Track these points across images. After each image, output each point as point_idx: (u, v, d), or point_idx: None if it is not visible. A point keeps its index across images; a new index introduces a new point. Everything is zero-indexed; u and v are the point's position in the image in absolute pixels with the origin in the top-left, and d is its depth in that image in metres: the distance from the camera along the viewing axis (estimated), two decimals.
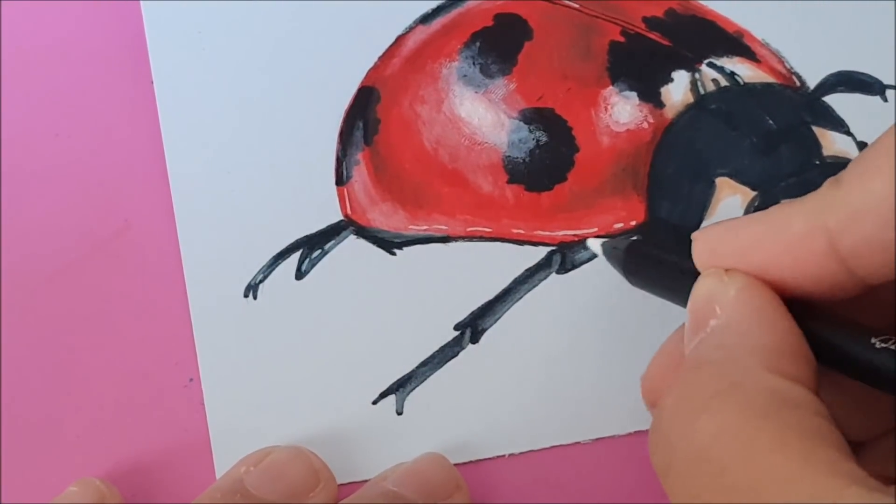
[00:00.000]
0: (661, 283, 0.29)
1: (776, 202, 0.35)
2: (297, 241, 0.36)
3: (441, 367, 0.35)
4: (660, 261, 0.29)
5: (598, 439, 0.34)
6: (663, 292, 0.29)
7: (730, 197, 0.36)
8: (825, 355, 0.24)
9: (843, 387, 0.25)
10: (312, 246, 0.36)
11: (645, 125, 0.36)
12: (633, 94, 0.37)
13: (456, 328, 0.35)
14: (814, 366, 0.24)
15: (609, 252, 0.31)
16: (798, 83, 0.37)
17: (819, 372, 0.24)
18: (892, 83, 0.37)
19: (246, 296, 0.35)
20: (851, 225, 0.23)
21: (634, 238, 0.31)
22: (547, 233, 0.36)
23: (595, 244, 0.32)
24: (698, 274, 0.26)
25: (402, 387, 0.34)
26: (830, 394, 0.24)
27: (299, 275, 0.35)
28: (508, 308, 0.35)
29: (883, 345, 0.23)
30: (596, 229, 0.36)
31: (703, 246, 0.26)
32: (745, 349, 0.24)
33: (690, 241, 0.27)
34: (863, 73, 0.37)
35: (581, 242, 0.36)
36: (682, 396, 0.23)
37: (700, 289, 0.26)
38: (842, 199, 0.23)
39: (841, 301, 0.25)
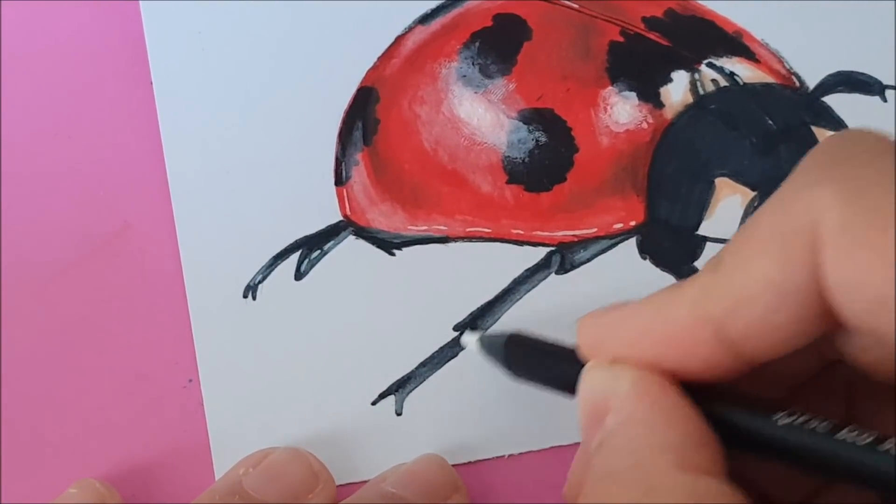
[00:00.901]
0: (546, 375, 0.28)
1: None
2: (296, 241, 0.36)
3: (440, 367, 0.35)
4: (542, 352, 0.28)
5: None
6: (548, 384, 0.28)
7: (729, 197, 0.36)
8: (729, 437, 0.23)
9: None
10: (311, 246, 0.36)
11: (644, 125, 0.36)
12: (633, 95, 0.37)
13: (455, 328, 0.35)
14: (722, 452, 0.23)
15: (487, 346, 0.30)
16: (797, 83, 0.37)
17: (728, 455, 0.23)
18: (892, 83, 0.37)
19: (245, 296, 0.35)
20: (737, 311, 0.23)
21: (512, 332, 0.30)
22: (546, 233, 0.36)
23: (471, 340, 0.31)
24: (583, 364, 0.25)
25: (401, 387, 0.34)
26: (753, 461, 0.24)
27: (298, 275, 0.35)
28: (508, 308, 0.35)
29: (787, 420, 0.23)
30: (595, 230, 0.36)
31: (589, 336, 0.26)
32: (652, 449, 0.23)
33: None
34: (862, 74, 0.37)
35: (581, 242, 0.36)
36: None
37: (590, 382, 0.25)
38: (724, 287, 0.23)
39: (734, 378, 0.24)
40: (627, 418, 0.24)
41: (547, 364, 0.28)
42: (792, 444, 0.23)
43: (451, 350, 0.35)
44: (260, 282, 0.35)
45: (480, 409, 0.34)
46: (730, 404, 0.24)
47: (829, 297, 0.22)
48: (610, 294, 0.35)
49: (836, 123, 0.36)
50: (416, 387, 0.34)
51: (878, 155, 0.22)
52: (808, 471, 0.23)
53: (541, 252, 0.36)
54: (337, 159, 0.36)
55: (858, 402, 0.26)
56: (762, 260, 0.22)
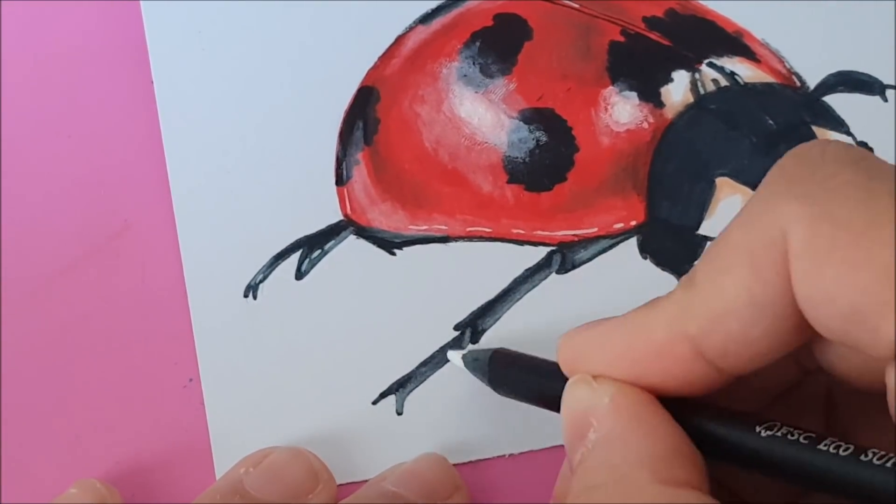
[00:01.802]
0: (530, 391, 0.29)
1: None
2: (296, 241, 0.36)
3: (441, 367, 0.35)
4: (526, 368, 0.29)
5: None
6: (532, 400, 0.28)
7: (730, 197, 0.36)
8: (711, 450, 0.24)
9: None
10: (312, 246, 0.36)
11: (645, 125, 0.36)
12: (633, 94, 0.37)
13: (456, 328, 0.35)
14: (702, 465, 0.23)
15: (471, 364, 0.31)
16: (798, 83, 0.37)
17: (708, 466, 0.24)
18: (892, 83, 0.37)
19: (246, 296, 0.35)
20: (713, 329, 0.23)
21: (496, 348, 0.31)
22: (547, 233, 0.36)
23: (455, 357, 0.32)
24: (566, 380, 0.26)
25: (401, 387, 0.34)
26: (733, 471, 0.24)
27: (299, 275, 0.35)
28: (508, 308, 0.35)
29: (768, 432, 0.23)
30: (596, 230, 0.36)
31: (569, 353, 0.26)
32: (631, 463, 0.23)
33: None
34: (863, 73, 0.37)
35: (581, 242, 0.36)
36: None
37: (571, 398, 0.25)
38: (699, 304, 0.23)
39: (713, 392, 0.24)
40: (607, 433, 0.24)
41: (531, 380, 0.29)
42: (773, 456, 0.23)
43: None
44: (260, 281, 0.35)
45: (481, 409, 0.34)
46: (710, 417, 0.24)
47: (803, 310, 0.22)
48: (610, 294, 0.35)
49: (836, 123, 0.36)
50: (416, 386, 0.34)
51: (843, 166, 0.22)
52: (789, 482, 0.23)
53: (541, 252, 0.36)
54: (337, 159, 0.36)
55: (839, 409, 0.26)
56: (734, 276, 0.22)
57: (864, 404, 0.25)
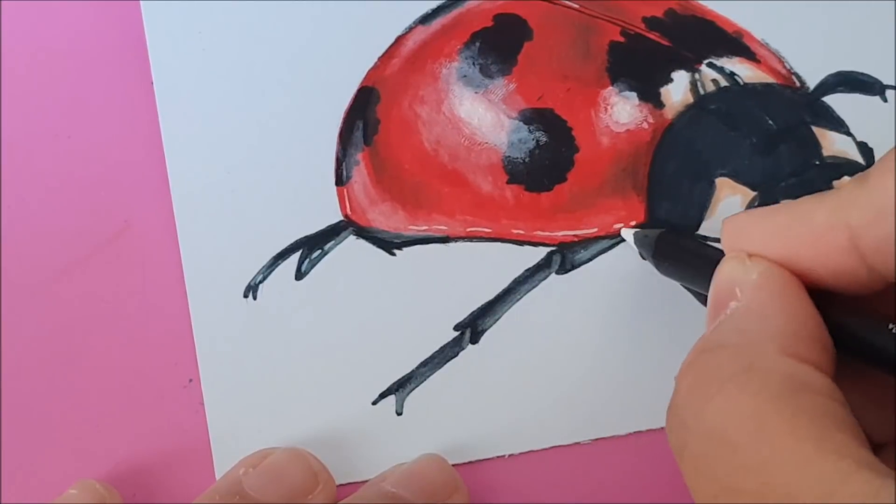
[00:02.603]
0: (689, 270, 0.30)
1: (776, 202, 0.35)
2: (296, 241, 0.36)
3: (441, 367, 0.35)
4: (689, 249, 0.30)
5: (597, 439, 0.34)
6: (690, 279, 0.30)
7: (730, 197, 0.36)
8: (844, 343, 0.24)
9: (865, 387, 0.26)
10: (312, 246, 0.36)
11: (645, 125, 0.36)
12: (633, 95, 0.37)
13: (456, 328, 0.35)
14: (831, 352, 0.24)
15: (640, 240, 0.33)
16: (798, 83, 0.37)
17: (840, 363, 0.24)
18: (892, 83, 0.37)
19: (246, 296, 0.35)
20: (874, 223, 0.23)
21: (664, 229, 0.32)
22: (547, 233, 0.36)
23: (628, 234, 0.33)
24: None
25: (401, 387, 0.34)
26: (852, 393, 0.24)
27: (299, 275, 0.35)
28: (508, 308, 0.35)
29: None
30: (596, 230, 0.36)
31: (731, 230, 0.27)
32: (763, 333, 0.24)
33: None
34: (863, 73, 0.37)
35: (581, 242, 0.36)
36: (698, 377, 0.24)
37: (722, 271, 0.26)
38: (865, 198, 0.24)
39: (861, 294, 0.25)
40: (747, 304, 0.25)
41: (691, 261, 0.30)
42: None
43: (451, 350, 0.35)
44: (260, 282, 0.35)
45: (480, 409, 0.34)
46: (848, 312, 0.25)
47: None
48: (610, 294, 0.35)
49: (836, 123, 0.36)
50: (416, 387, 0.34)
51: None
52: None
53: (541, 252, 0.36)
54: (337, 159, 0.36)
55: None
56: None
57: None
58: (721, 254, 0.27)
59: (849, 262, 0.24)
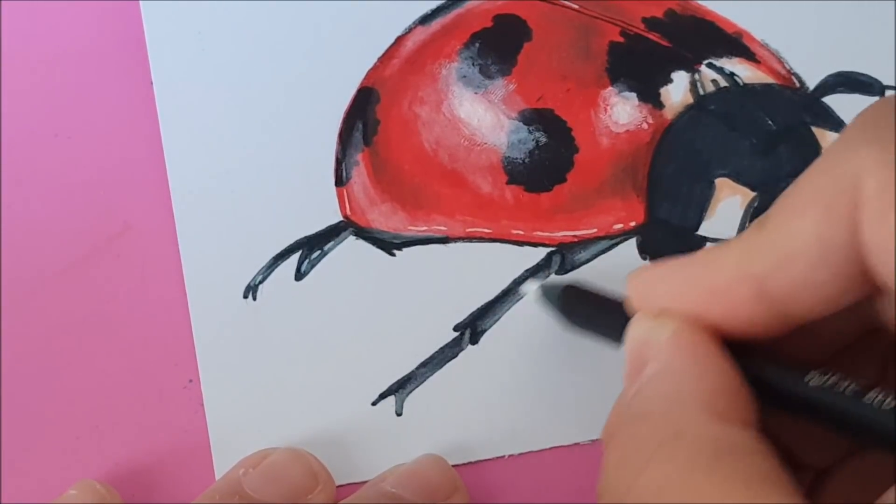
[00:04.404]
0: (598, 324, 0.29)
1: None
2: (296, 241, 0.36)
3: (440, 368, 0.35)
4: (596, 302, 0.30)
5: (597, 440, 0.34)
6: (599, 334, 0.29)
7: (729, 197, 0.36)
8: (766, 394, 0.24)
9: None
10: (312, 247, 0.36)
11: (644, 126, 0.36)
12: (633, 95, 0.37)
13: (455, 329, 0.35)
14: (755, 406, 0.24)
15: (545, 294, 0.32)
16: (797, 84, 0.37)
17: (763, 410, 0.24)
18: (892, 83, 0.37)
19: (245, 297, 0.35)
20: (780, 270, 0.23)
21: (569, 281, 0.31)
22: (546, 233, 0.36)
23: (531, 288, 0.33)
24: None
25: (401, 388, 0.34)
26: (786, 422, 0.25)
27: (299, 276, 0.35)
28: (508, 308, 0.35)
29: (821, 377, 0.23)
30: (595, 230, 0.36)
31: (638, 287, 0.26)
32: (685, 396, 0.23)
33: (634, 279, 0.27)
34: (862, 74, 0.37)
35: (581, 243, 0.36)
36: (625, 451, 0.23)
37: (634, 332, 0.26)
38: (768, 244, 0.23)
39: (776, 338, 0.24)
40: (664, 366, 0.24)
41: (599, 314, 0.29)
42: (819, 403, 0.23)
43: (451, 350, 0.35)
44: (260, 282, 0.35)
45: (480, 409, 0.34)
46: (766, 361, 0.24)
47: (866, 258, 0.22)
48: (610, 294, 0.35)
49: (836, 124, 0.36)
50: (416, 387, 0.34)
51: None
52: (834, 431, 0.24)
53: (541, 252, 0.36)
54: (337, 160, 0.36)
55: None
56: (805, 219, 0.23)
57: None
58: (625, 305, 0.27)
59: (759, 311, 0.24)
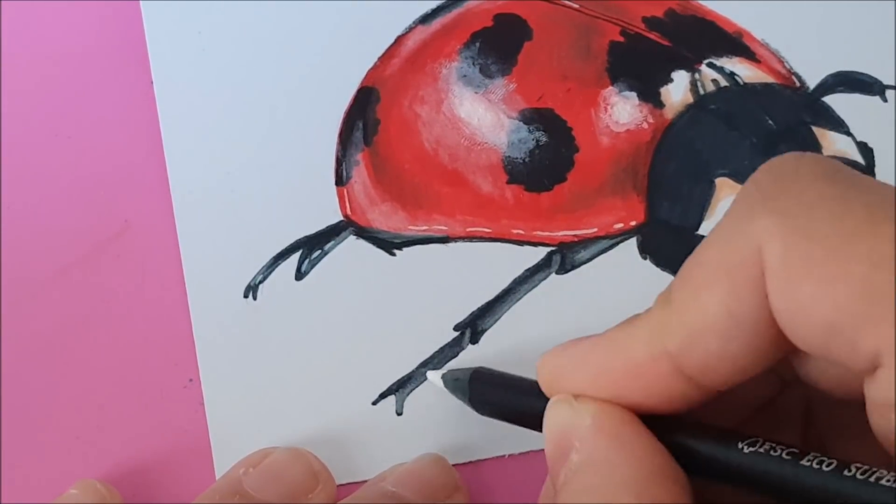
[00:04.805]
0: (511, 411, 0.28)
1: None
2: (296, 241, 0.36)
3: (441, 367, 0.35)
4: (506, 387, 0.29)
5: None
6: (514, 420, 0.28)
7: (730, 197, 0.36)
8: (694, 467, 0.24)
9: None
10: (312, 246, 0.36)
11: (645, 125, 0.36)
12: (633, 95, 0.37)
13: (456, 329, 0.35)
14: (686, 483, 0.23)
15: (451, 384, 0.31)
16: (798, 83, 0.37)
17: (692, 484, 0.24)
18: (892, 83, 0.37)
19: (246, 296, 0.35)
20: (692, 345, 0.23)
21: (476, 367, 0.30)
22: (547, 233, 0.36)
23: (435, 377, 0.31)
24: (547, 400, 0.26)
25: (401, 387, 0.34)
26: (715, 492, 0.24)
27: (299, 275, 0.35)
28: (508, 308, 0.35)
29: (751, 448, 0.23)
30: (595, 230, 0.36)
31: (549, 372, 0.26)
32: (615, 487, 0.23)
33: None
34: (863, 73, 0.37)
35: (581, 242, 0.36)
36: None
37: (553, 418, 0.25)
38: (677, 322, 0.23)
39: (696, 408, 0.24)
40: (589, 456, 0.24)
41: (512, 400, 0.28)
42: (756, 472, 0.23)
43: (451, 350, 0.35)
44: (260, 282, 0.35)
45: None
46: (692, 435, 0.24)
47: (779, 324, 0.22)
48: (610, 294, 0.35)
49: (836, 123, 0.36)
50: (416, 387, 0.34)
51: (816, 179, 0.22)
52: (774, 497, 0.23)
53: (541, 252, 0.36)
54: (337, 159, 0.36)
55: (817, 420, 0.26)
56: (711, 293, 0.22)
57: (842, 415, 0.25)
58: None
59: (677, 386, 0.23)
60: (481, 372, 0.30)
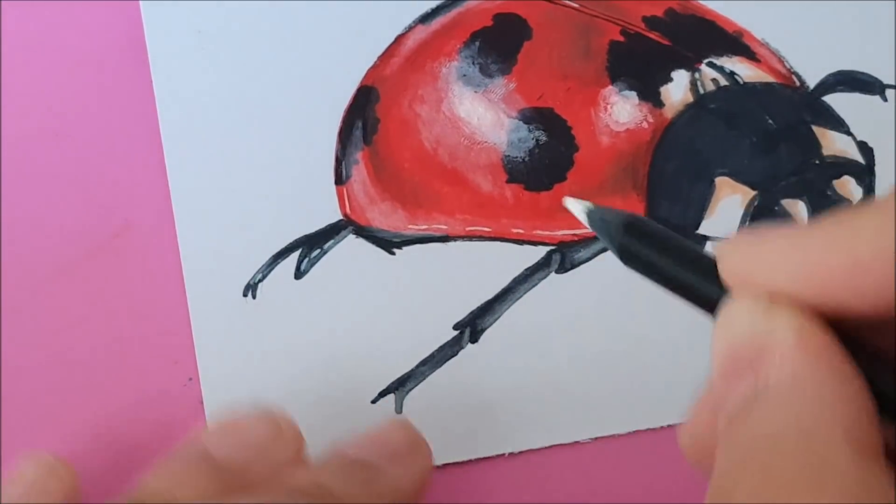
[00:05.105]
0: (665, 273, 0.24)
1: (776, 202, 0.35)
2: (296, 240, 0.36)
3: (440, 366, 0.35)
4: (669, 249, 0.24)
5: (597, 438, 0.34)
6: (665, 283, 0.24)
7: (729, 196, 0.36)
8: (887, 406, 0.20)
9: None
10: (312, 245, 0.36)
11: (644, 125, 0.36)
12: (633, 94, 0.37)
13: (455, 328, 0.35)
14: (879, 426, 0.20)
15: (598, 223, 0.26)
16: (798, 83, 0.37)
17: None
18: (892, 83, 0.37)
19: (245, 295, 0.35)
20: None
21: (631, 214, 0.25)
22: (546, 232, 0.36)
23: (577, 208, 0.26)
24: (713, 269, 0.21)
25: (401, 386, 0.34)
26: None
27: (298, 274, 0.35)
28: (508, 308, 0.35)
29: None
30: None
31: (738, 263, 0.21)
32: (823, 421, 0.19)
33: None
34: (863, 73, 0.37)
35: (581, 242, 0.36)
36: (761, 488, 0.19)
37: (737, 321, 0.21)
38: None
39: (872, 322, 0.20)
40: (792, 377, 0.20)
41: (673, 266, 0.23)
42: None
43: (451, 349, 0.35)
44: (260, 281, 0.35)
45: (480, 408, 0.34)
46: (878, 366, 0.20)
47: None
48: (610, 294, 0.35)
49: (836, 123, 0.36)
50: (416, 385, 0.34)
51: None
52: None
53: (541, 251, 0.36)
54: (337, 158, 0.36)
55: None
56: None
57: None
58: (702, 251, 0.23)
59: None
60: (637, 221, 0.25)
